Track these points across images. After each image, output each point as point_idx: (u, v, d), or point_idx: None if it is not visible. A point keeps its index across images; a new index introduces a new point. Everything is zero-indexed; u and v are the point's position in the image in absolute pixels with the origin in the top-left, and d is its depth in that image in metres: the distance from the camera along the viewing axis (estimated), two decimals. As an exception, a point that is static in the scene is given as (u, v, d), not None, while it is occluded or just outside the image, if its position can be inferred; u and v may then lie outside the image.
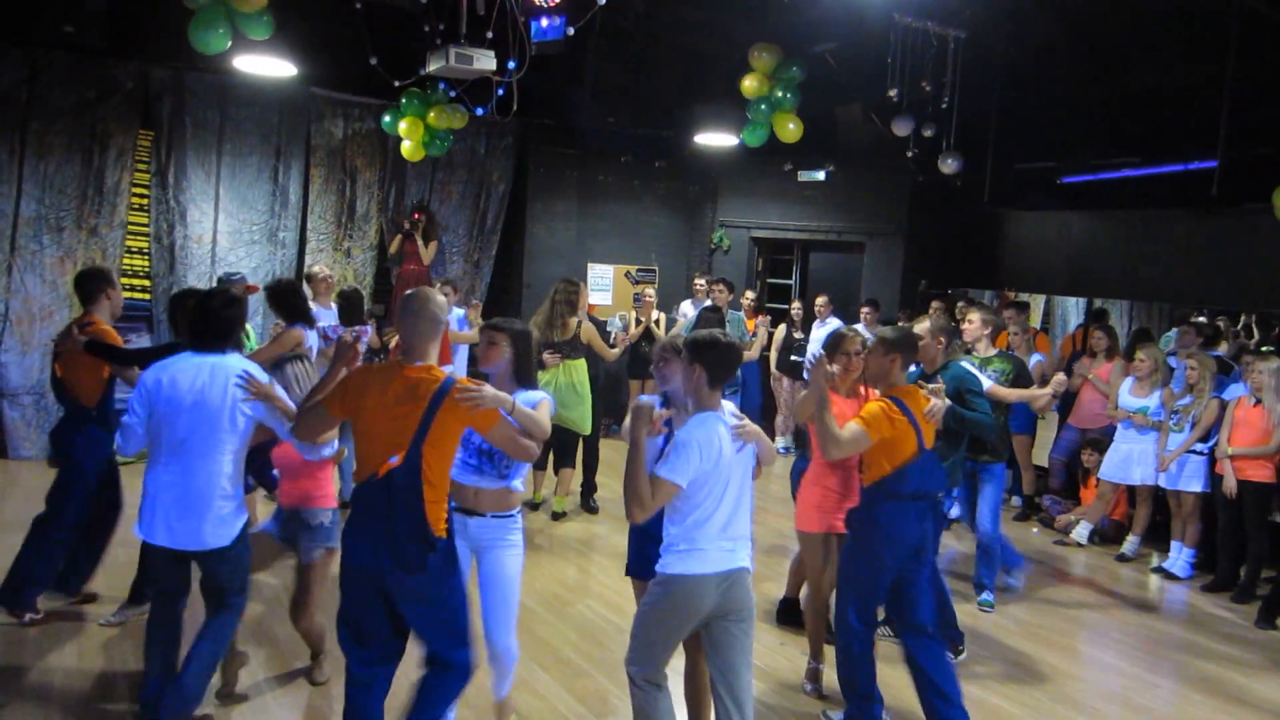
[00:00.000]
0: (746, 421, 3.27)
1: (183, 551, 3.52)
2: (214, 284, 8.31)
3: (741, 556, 3.20)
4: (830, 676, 4.30)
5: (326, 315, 6.95)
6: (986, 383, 5.14)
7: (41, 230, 7.59)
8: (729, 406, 3.30)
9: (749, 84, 7.72)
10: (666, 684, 3.28)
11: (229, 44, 6.11)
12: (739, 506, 3.21)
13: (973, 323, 5.72)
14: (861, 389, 4.32)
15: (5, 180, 7.41)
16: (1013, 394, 5.54)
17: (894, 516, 3.78)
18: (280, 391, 3.61)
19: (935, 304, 8.77)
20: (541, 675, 4.41)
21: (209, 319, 3.59)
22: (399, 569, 2.97)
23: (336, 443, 3.95)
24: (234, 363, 3.55)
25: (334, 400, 3.15)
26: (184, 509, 3.46)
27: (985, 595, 5.70)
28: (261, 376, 3.57)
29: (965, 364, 4.96)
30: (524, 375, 3.57)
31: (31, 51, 7.40)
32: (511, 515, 3.50)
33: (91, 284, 4.66)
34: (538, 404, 3.38)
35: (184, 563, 3.60)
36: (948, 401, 4.15)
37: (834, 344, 4.39)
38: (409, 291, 3.20)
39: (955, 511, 6.39)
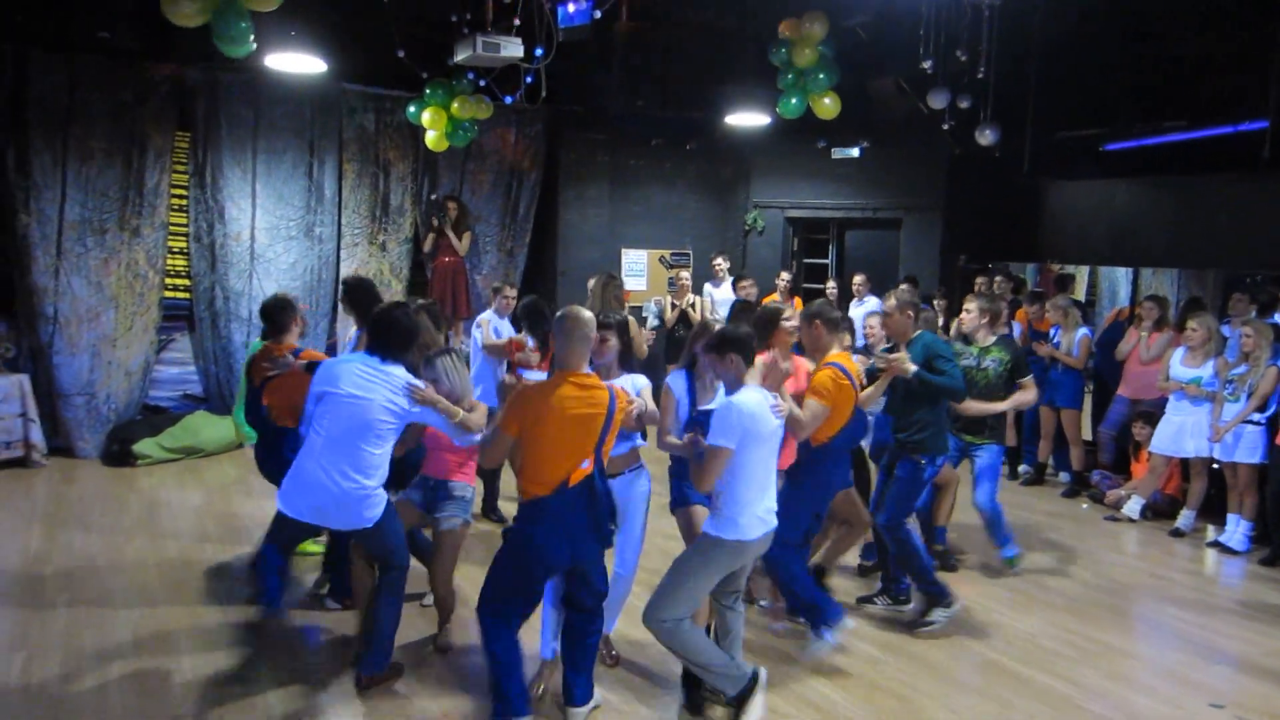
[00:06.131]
0: (781, 401, 3.78)
1: (331, 530, 4.05)
2: (252, 282, 8.42)
3: (773, 517, 3.76)
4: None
5: None
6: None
7: (86, 233, 7.74)
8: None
9: (796, 54, 7.56)
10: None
11: (252, 39, 6.06)
12: (771, 470, 3.74)
13: (970, 313, 5.76)
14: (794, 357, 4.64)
15: (50, 185, 7.55)
16: (972, 408, 5.46)
17: (831, 467, 4.48)
18: (444, 400, 3.97)
19: (980, 279, 8.64)
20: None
21: (391, 330, 3.94)
22: (600, 544, 3.62)
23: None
24: (398, 374, 3.89)
25: (511, 423, 3.49)
26: (333, 495, 3.83)
27: (1006, 551, 5.72)
28: (420, 385, 3.94)
29: (956, 347, 5.50)
30: (627, 361, 4.08)
31: (69, 58, 7.53)
32: (640, 465, 4.12)
33: (282, 315, 4.89)
34: (641, 389, 4.01)
35: (310, 531, 4.15)
36: (914, 367, 4.69)
37: (766, 325, 4.55)
38: (560, 313, 3.59)
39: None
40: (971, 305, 5.79)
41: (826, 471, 4.45)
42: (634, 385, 4.02)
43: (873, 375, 4.99)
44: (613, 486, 3.92)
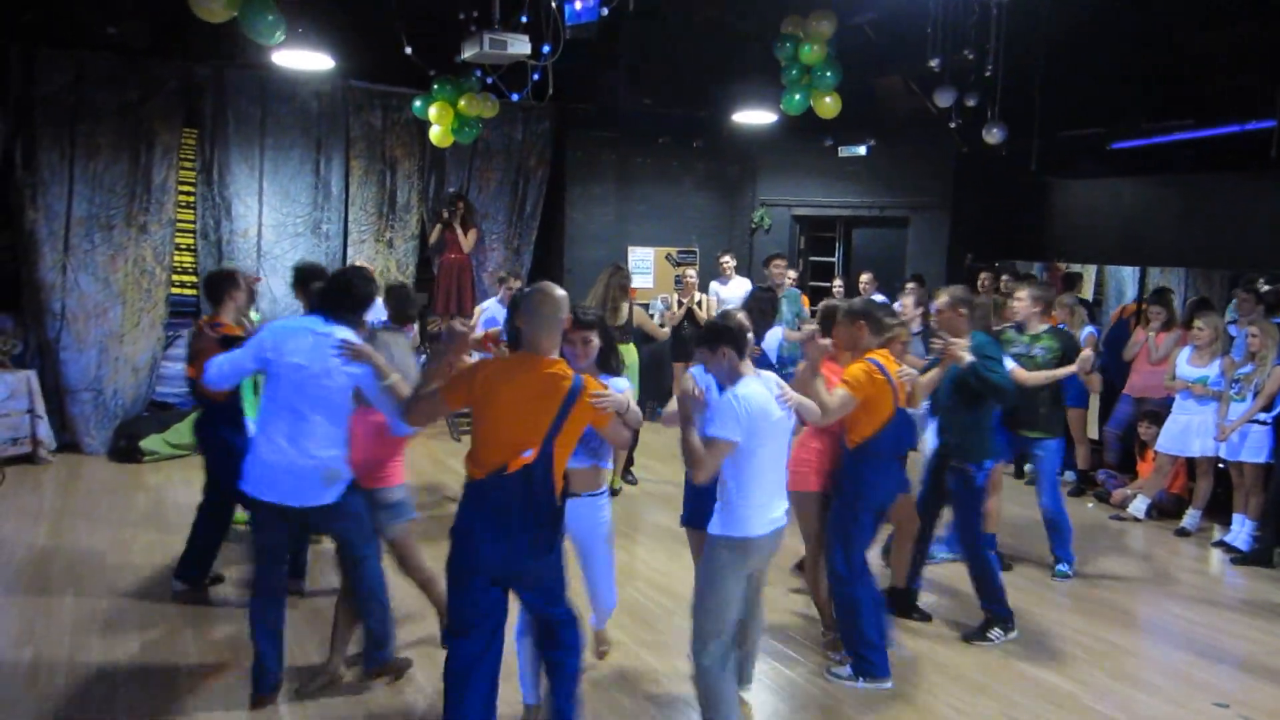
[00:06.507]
0: (787, 390, 3.56)
1: (291, 508, 3.72)
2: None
3: (782, 514, 3.57)
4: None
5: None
6: (1009, 364, 5.17)
7: (93, 229, 7.76)
8: (768, 375, 3.57)
9: (803, 51, 7.56)
10: (730, 662, 3.50)
11: (279, 33, 6.12)
12: (780, 466, 3.56)
13: (1021, 300, 5.68)
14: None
15: (57, 181, 7.58)
16: (1034, 376, 5.45)
17: (875, 474, 4.19)
18: (377, 353, 3.76)
19: (983, 275, 8.62)
20: (593, 657, 4.42)
21: (345, 292, 3.84)
22: (532, 554, 3.12)
23: None
24: (338, 334, 3.73)
25: (457, 391, 3.19)
26: (292, 467, 3.67)
27: (1060, 566, 5.73)
28: (357, 341, 3.74)
29: (1008, 335, 5.38)
30: (607, 363, 3.73)
31: (77, 54, 7.55)
32: (601, 492, 3.77)
33: (219, 287, 4.84)
34: (623, 392, 3.54)
35: (287, 521, 3.82)
36: (970, 357, 4.48)
37: (828, 318, 4.52)
38: (528, 289, 3.30)
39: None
40: (1023, 293, 5.69)
41: (869, 478, 4.17)
42: (616, 388, 3.58)
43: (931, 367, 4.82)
44: (568, 507, 3.57)
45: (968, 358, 4.49)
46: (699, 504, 3.72)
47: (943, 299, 4.82)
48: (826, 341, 3.99)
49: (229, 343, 4.37)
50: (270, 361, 3.72)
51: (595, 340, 3.60)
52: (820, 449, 4.37)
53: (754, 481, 3.42)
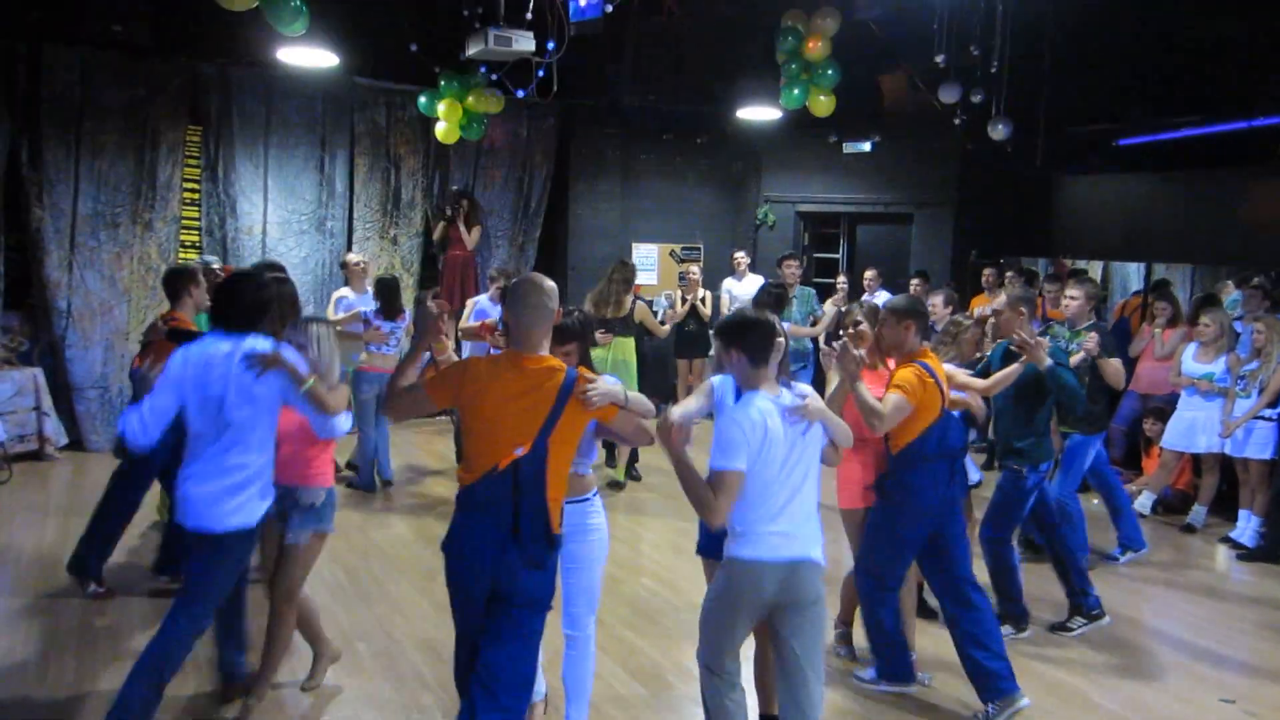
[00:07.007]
0: (811, 400, 3.10)
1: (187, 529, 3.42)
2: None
3: (804, 546, 3.03)
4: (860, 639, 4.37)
5: (362, 301, 7.03)
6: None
7: (99, 227, 7.78)
8: (801, 387, 3.17)
9: (806, 48, 7.56)
10: (740, 680, 3.14)
11: (297, 23, 6.12)
12: (799, 491, 3.03)
13: (1076, 298, 5.56)
14: (887, 361, 4.17)
15: (63, 180, 7.59)
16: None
17: (924, 479, 3.90)
18: (292, 355, 3.48)
19: (987, 272, 8.62)
20: (597, 653, 4.42)
21: (233, 302, 3.50)
22: (523, 566, 2.87)
23: (351, 418, 3.75)
24: (248, 344, 3.41)
25: (443, 387, 3.00)
26: (191, 488, 3.38)
27: None
28: (266, 349, 3.42)
29: (1054, 330, 5.40)
30: (583, 362, 3.54)
31: (82, 52, 7.56)
32: (586, 499, 3.39)
33: (177, 283, 4.85)
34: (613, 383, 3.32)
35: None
36: (1050, 361, 4.34)
37: (868, 318, 4.32)
38: (515, 280, 3.12)
39: (975, 476, 6.04)
40: (1078, 292, 5.55)
41: (918, 484, 3.89)
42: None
43: (1004, 359, 4.65)
44: None
45: (1048, 360, 4.35)
46: (715, 533, 3.32)
47: (1000, 299, 4.70)
48: (861, 353, 3.73)
49: (177, 335, 4.34)
50: (184, 385, 3.38)
51: (575, 355, 3.38)
52: (863, 461, 4.10)
53: (756, 498, 2.98)
